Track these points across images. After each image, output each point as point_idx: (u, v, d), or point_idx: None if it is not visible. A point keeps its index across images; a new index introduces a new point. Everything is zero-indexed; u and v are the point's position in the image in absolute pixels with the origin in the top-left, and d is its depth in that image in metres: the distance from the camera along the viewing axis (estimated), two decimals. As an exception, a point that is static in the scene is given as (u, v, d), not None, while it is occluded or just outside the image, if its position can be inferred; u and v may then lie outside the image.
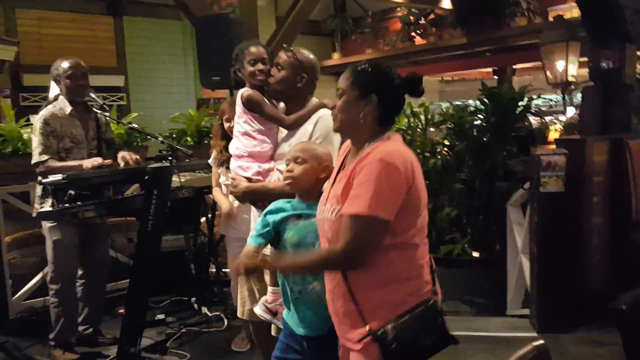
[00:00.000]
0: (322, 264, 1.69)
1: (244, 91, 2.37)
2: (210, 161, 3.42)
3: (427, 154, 5.88)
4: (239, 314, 2.60)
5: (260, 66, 2.36)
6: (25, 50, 7.31)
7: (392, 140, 1.64)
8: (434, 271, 1.70)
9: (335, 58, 10.80)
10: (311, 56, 2.32)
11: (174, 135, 5.23)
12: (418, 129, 6.31)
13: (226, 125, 3.14)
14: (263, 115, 2.34)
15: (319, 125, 2.21)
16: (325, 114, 2.19)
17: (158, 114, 6.92)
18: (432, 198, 5.96)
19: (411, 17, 9.45)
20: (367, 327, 1.58)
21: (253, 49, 2.40)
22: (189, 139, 5.28)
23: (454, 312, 4.22)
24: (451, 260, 5.40)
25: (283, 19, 7.17)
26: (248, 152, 2.34)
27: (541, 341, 1.36)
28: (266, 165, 2.34)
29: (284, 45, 2.41)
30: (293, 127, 2.29)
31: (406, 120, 6.40)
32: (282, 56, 2.29)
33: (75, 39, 8.14)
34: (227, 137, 3.06)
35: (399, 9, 9.68)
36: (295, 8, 6.72)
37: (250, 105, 2.33)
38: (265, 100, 2.36)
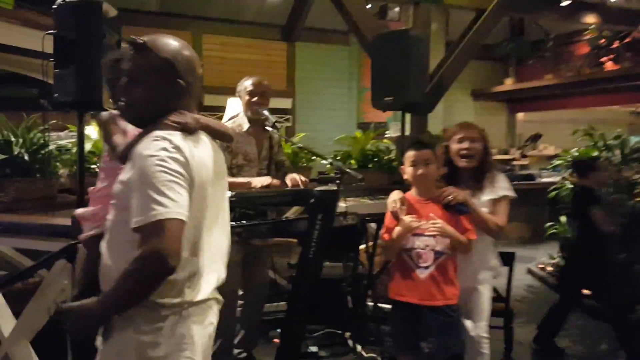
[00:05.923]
0: None
1: None
2: None
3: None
4: None
5: None
6: (207, 72, 7.83)
7: None
8: None
9: (508, 84, 10.13)
10: (172, 46, 1.53)
11: (339, 158, 5.10)
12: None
13: (455, 147, 2.73)
14: None
15: None
16: None
17: (322, 137, 6.91)
18: (627, 247, 5.06)
19: (602, 40, 8.45)
20: None
21: None
22: (352, 162, 5.11)
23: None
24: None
25: (455, 44, 6.78)
26: None
27: None
28: None
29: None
30: None
31: (597, 153, 5.58)
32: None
33: (252, 63, 8.62)
34: (451, 163, 2.74)
35: (588, 31, 8.71)
36: (469, 32, 6.31)
37: None
38: None
